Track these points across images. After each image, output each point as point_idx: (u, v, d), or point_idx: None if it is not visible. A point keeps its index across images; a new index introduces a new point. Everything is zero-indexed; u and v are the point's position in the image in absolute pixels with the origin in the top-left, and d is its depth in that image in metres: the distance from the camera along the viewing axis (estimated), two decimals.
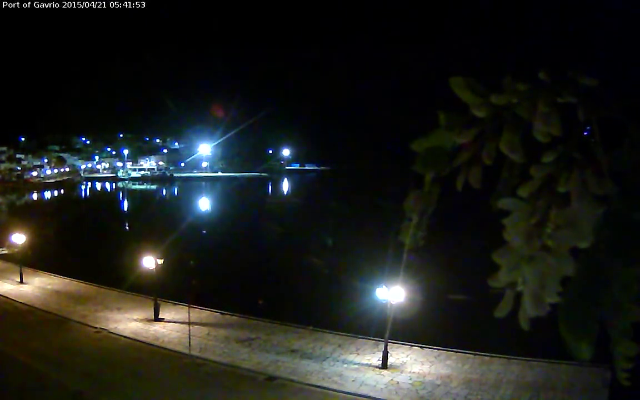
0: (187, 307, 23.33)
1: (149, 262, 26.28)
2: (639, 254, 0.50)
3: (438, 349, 22.49)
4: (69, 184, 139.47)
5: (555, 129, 0.60)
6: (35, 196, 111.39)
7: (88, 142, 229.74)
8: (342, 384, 19.43)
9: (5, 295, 30.25)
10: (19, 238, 34.21)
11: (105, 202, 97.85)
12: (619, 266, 0.52)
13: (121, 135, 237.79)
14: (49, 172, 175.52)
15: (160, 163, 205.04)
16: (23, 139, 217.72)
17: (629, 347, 0.55)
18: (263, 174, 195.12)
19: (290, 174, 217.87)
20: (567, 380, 19.19)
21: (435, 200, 0.70)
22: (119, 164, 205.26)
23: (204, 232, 59.77)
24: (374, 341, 23.01)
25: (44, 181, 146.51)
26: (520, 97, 0.61)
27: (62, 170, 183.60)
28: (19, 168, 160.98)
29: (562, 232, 0.57)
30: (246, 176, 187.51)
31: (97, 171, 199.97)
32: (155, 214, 73.74)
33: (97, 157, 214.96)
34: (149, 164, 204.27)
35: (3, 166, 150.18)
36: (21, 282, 32.72)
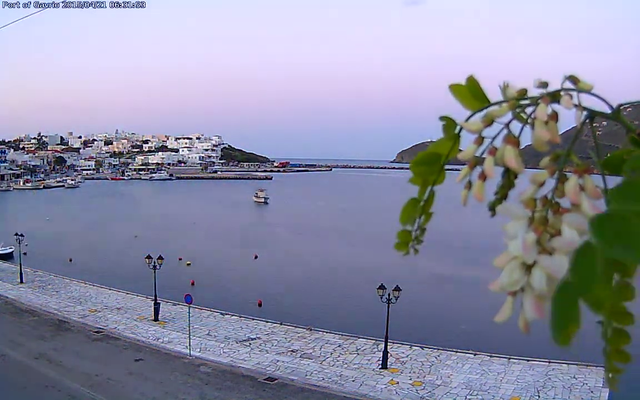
0: (187, 307, 23.32)
1: (149, 261, 26.26)
2: (633, 256, 0.50)
3: (438, 349, 22.50)
4: (69, 184, 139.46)
5: (555, 137, 0.61)
6: (35, 196, 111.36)
7: (88, 142, 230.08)
8: (342, 384, 19.43)
9: (5, 295, 30.24)
10: (18, 238, 34.14)
11: (105, 201, 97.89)
12: (612, 266, 0.52)
13: (120, 134, 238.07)
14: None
15: (161, 163, 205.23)
16: (23, 138, 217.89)
17: (619, 355, 0.55)
18: (263, 173, 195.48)
19: (291, 172, 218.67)
20: (567, 380, 19.22)
21: (430, 213, 0.69)
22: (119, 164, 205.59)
23: (194, 223, 61.98)
24: (374, 341, 23.02)
25: (44, 181, 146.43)
26: (517, 107, 0.62)
27: (62, 170, 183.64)
28: (18, 168, 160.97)
29: (560, 237, 0.57)
30: (247, 175, 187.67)
31: (97, 171, 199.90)
32: (155, 214, 73.76)
33: (96, 157, 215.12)
34: (149, 164, 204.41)
35: (3, 166, 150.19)
36: (21, 282, 32.73)
